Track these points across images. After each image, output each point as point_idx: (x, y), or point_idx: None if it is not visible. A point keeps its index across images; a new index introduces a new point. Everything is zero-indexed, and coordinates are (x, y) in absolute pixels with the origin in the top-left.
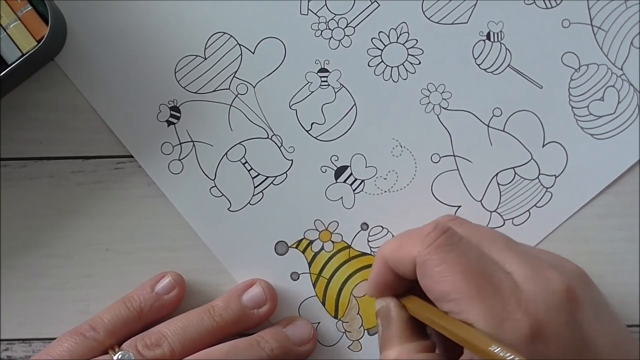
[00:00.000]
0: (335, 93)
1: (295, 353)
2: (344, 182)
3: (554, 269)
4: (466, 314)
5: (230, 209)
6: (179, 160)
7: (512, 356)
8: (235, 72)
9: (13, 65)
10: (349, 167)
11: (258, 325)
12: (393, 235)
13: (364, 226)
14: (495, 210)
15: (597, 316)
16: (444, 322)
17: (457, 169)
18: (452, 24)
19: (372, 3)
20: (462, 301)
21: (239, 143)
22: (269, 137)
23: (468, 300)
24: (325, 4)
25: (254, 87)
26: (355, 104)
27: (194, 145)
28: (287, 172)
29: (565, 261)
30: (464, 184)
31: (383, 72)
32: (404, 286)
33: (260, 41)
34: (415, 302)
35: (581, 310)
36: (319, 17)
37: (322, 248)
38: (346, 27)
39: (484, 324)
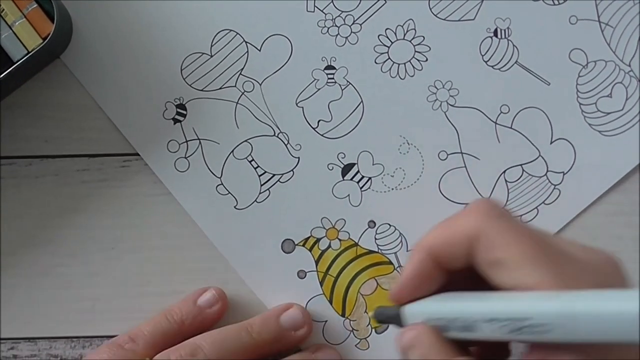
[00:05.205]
0: (342, 90)
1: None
2: (351, 179)
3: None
4: (535, 278)
5: (236, 207)
6: (185, 158)
7: None
8: (242, 69)
9: (18, 63)
10: (356, 165)
11: (294, 347)
12: (401, 233)
13: (371, 224)
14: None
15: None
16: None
17: (465, 166)
18: (459, 20)
19: (378, 0)
20: (534, 266)
21: (246, 141)
22: (276, 134)
23: (539, 265)
24: (332, 1)
25: (260, 85)
26: (362, 101)
27: (200, 143)
28: (294, 170)
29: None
30: (472, 181)
31: (390, 69)
32: (437, 284)
33: (267, 38)
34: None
35: (627, 283)
36: (326, 14)
37: (329, 246)
38: (353, 24)
39: (555, 289)
